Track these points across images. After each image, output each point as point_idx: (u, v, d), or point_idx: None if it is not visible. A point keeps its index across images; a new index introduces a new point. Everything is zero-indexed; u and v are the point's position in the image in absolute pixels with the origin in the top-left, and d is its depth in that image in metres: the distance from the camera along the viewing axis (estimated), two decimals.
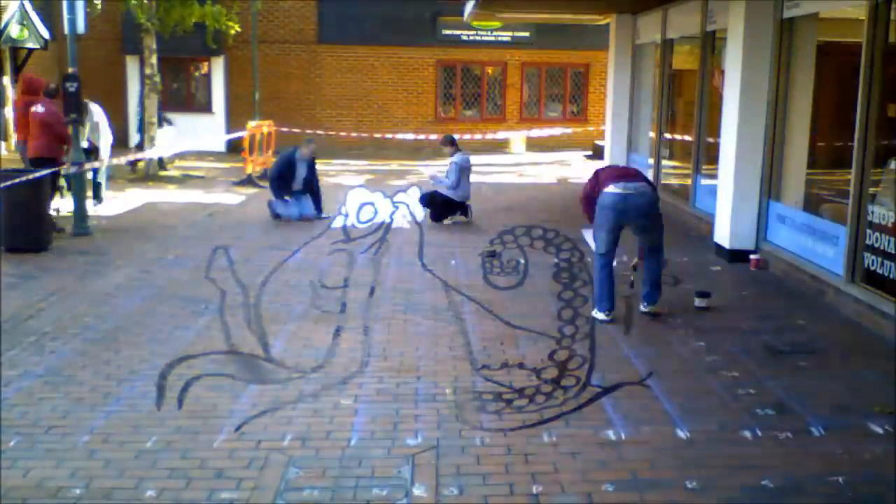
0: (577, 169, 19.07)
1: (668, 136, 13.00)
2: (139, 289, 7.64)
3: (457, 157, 11.28)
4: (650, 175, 13.28)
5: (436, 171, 13.17)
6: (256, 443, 4.36)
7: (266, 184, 15.65)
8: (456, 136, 11.93)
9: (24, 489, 3.88)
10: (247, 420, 4.54)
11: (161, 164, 16.64)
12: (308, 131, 19.49)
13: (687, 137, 11.86)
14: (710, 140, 10.67)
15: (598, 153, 18.97)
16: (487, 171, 17.94)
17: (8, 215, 8.94)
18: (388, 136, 20.27)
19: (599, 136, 19.44)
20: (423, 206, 10.13)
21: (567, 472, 4.09)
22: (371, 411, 4.82)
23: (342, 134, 20.81)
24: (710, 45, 10.87)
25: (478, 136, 21.52)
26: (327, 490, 3.90)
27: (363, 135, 22.12)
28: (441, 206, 11.19)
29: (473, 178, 11.74)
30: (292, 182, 11.55)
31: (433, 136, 19.20)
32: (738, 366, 5.67)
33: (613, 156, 15.22)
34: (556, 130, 21.19)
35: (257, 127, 16.19)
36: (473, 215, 11.48)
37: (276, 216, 11.43)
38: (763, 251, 8.75)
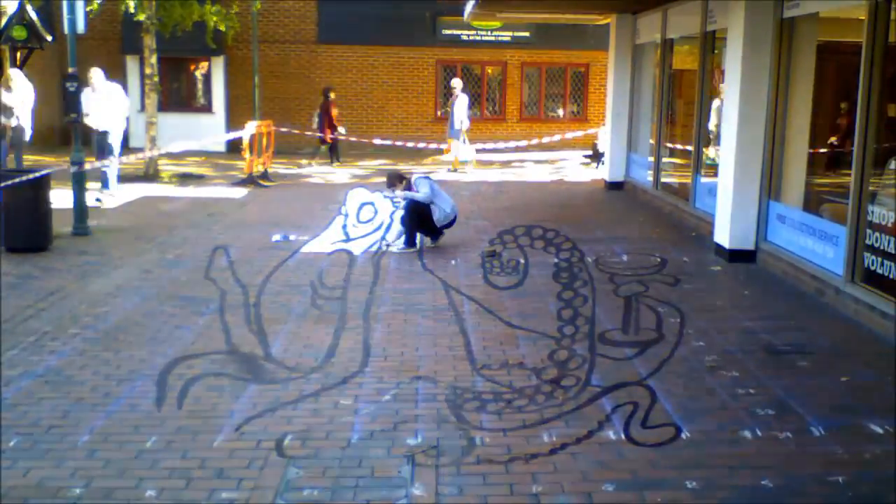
0: (572, 174, 19.07)
1: (667, 136, 12.99)
2: (139, 289, 7.64)
3: (414, 178, 9.63)
4: (650, 174, 13.31)
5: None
6: (256, 443, 4.37)
7: (266, 183, 15.68)
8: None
9: (24, 489, 3.88)
10: (247, 420, 4.53)
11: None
12: (307, 132, 19.50)
13: (688, 145, 11.84)
14: (710, 140, 10.67)
15: (596, 156, 18.64)
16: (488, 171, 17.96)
17: (8, 215, 8.94)
18: (388, 142, 20.14)
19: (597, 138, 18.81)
20: (416, 227, 9.26)
21: (567, 472, 4.09)
22: (371, 411, 4.82)
23: (341, 137, 20.77)
24: (710, 45, 10.86)
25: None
26: (327, 490, 3.90)
27: (362, 137, 22.10)
28: (419, 222, 9.35)
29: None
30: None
31: (433, 145, 19.21)
32: (738, 366, 5.67)
33: (613, 155, 15.22)
34: (556, 137, 21.08)
35: (260, 126, 16.17)
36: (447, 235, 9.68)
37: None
38: (763, 251, 8.75)
